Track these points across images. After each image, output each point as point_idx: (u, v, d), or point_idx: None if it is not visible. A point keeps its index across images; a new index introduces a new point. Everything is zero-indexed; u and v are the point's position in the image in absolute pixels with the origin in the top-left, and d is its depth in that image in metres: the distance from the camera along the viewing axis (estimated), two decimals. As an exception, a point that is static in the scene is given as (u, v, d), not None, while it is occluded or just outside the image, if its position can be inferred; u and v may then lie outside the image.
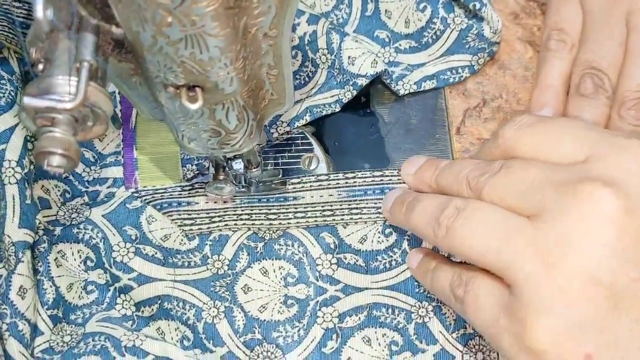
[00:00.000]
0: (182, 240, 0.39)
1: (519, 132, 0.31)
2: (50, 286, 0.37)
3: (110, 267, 0.38)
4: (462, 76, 0.42)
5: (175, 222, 0.39)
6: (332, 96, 0.41)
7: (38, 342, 0.36)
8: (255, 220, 0.39)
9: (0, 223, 0.36)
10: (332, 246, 0.38)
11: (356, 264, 0.38)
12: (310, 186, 0.40)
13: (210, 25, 0.23)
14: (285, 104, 0.32)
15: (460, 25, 0.41)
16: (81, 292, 0.38)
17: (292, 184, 0.40)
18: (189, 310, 0.37)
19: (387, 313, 0.37)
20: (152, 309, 0.38)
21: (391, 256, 0.38)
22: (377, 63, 0.39)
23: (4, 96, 0.37)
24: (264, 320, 0.38)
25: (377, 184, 0.39)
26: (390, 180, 0.39)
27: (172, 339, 0.37)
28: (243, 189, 0.39)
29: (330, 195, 0.40)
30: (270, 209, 0.39)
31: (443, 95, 0.43)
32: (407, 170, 0.38)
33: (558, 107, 0.39)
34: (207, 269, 0.38)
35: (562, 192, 0.27)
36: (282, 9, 0.26)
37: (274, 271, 0.38)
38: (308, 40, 0.40)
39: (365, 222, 0.39)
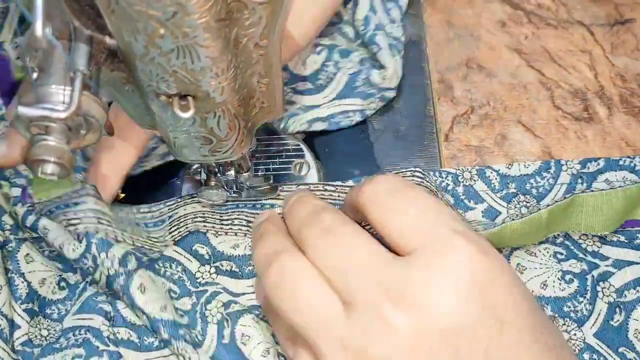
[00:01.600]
0: (74, 244, 0.37)
1: (373, 196, 0.30)
2: (22, 282, 0.38)
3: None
4: (353, 120, 0.42)
5: (62, 223, 0.38)
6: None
7: (17, 336, 0.37)
8: (136, 241, 0.39)
9: None
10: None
11: None
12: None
13: (202, 37, 0.24)
14: (275, 112, 0.32)
15: (350, 70, 0.42)
16: (54, 288, 0.38)
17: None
18: None
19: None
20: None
21: None
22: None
23: None
24: None
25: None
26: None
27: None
28: (234, 195, 0.40)
29: None
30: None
31: (432, 102, 0.43)
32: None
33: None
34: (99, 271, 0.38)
35: (373, 295, 0.27)
36: (272, 20, 0.26)
37: None
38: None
39: None
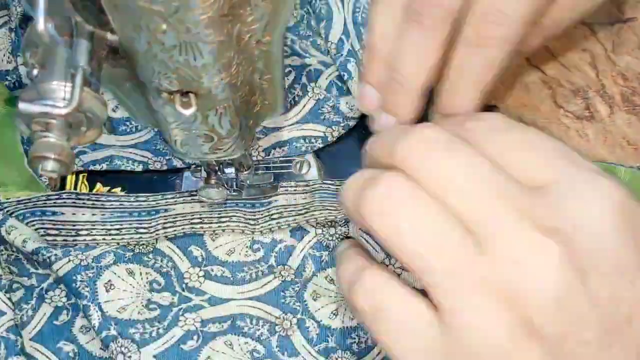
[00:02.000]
0: (42, 241, 0.38)
1: (486, 134, 0.27)
2: (6, 273, 0.38)
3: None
4: (315, 146, 0.41)
5: (38, 232, 0.37)
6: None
7: (2, 322, 0.37)
8: (125, 235, 0.39)
9: None
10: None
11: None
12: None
13: (205, 33, 0.23)
14: (277, 110, 0.32)
15: (318, 95, 0.41)
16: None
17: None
18: None
19: (251, 324, 0.37)
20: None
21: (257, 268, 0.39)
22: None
23: None
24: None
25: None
26: None
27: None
28: (235, 193, 0.40)
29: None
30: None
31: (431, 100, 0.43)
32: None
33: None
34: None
35: (509, 224, 0.24)
36: (275, 17, 0.26)
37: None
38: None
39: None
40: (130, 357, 0.34)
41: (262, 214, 0.39)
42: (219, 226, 0.38)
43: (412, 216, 0.24)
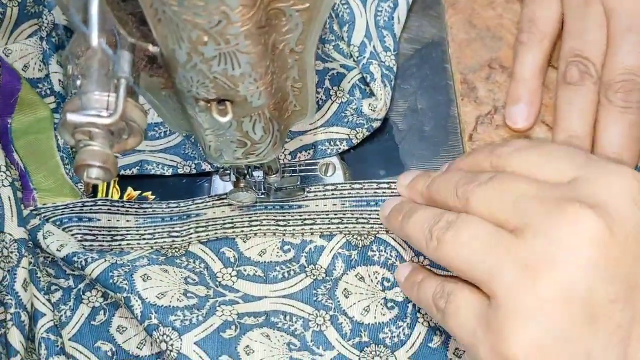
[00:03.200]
0: (79, 246, 0.39)
1: (511, 153, 0.32)
2: (44, 275, 0.39)
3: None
4: (339, 148, 0.42)
5: (75, 237, 0.39)
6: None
7: (42, 323, 0.38)
8: (158, 239, 0.40)
9: None
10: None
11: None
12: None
13: (244, 44, 0.24)
14: (307, 115, 0.33)
15: (341, 98, 0.42)
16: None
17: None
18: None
19: (285, 320, 0.38)
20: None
21: (289, 267, 0.39)
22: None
23: None
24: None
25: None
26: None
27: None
28: (262, 196, 0.41)
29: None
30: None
31: (455, 102, 0.44)
32: (401, 182, 0.38)
33: (532, 100, 0.41)
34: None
35: (547, 209, 0.28)
36: (308, 26, 0.27)
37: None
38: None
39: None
40: (172, 345, 0.35)
41: (292, 217, 0.40)
42: (250, 230, 0.39)
43: (476, 248, 0.29)
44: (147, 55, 0.27)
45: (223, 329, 0.37)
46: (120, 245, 0.38)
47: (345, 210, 0.40)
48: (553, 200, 0.28)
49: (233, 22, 0.23)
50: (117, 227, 0.39)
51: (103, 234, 0.39)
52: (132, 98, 0.27)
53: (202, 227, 0.40)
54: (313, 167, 0.42)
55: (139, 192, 0.43)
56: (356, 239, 0.39)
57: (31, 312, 0.37)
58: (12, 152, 0.41)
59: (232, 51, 0.25)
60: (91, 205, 0.39)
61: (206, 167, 0.42)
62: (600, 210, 0.27)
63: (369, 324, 0.38)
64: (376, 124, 0.42)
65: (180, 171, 0.42)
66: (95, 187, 0.43)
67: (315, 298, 0.39)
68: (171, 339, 0.35)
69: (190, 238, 0.39)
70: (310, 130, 0.42)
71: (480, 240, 0.29)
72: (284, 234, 0.39)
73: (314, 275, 0.39)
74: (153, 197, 0.42)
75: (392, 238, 0.39)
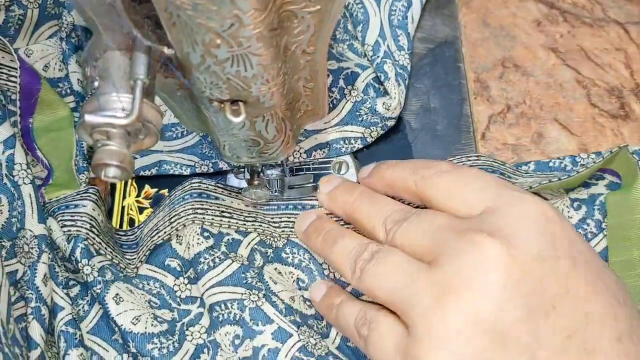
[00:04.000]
0: (64, 245, 0.39)
1: (433, 177, 0.33)
2: (62, 270, 0.40)
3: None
4: (354, 147, 0.42)
5: (59, 224, 0.39)
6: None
7: (61, 316, 0.38)
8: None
9: (20, 220, 0.38)
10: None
11: None
12: None
13: (256, 46, 0.25)
14: (319, 114, 0.33)
15: (355, 97, 0.42)
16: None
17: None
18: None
19: (223, 309, 0.38)
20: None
21: (213, 255, 0.39)
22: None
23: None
24: (298, 310, 0.39)
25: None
26: None
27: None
28: (276, 194, 0.41)
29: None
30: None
31: (468, 101, 0.44)
32: (323, 189, 0.39)
33: None
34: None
35: (457, 239, 0.29)
36: (320, 28, 0.27)
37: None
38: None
39: None
40: None
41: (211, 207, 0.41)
42: (174, 226, 0.40)
43: (396, 278, 0.31)
44: (163, 57, 0.28)
45: (197, 354, 0.37)
46: (93, 238, 0.39)
47: (257, 212, 0.41)
48: (463, 231, 0.29)
49: (245, 25, 0.24)
50: (96, 219, 0.40)
51: (83, 220, 0.39)
52: (148, 99, 0.27)
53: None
54: (326, 165, 0.43)
55: (156, 189, 0.44)
56: (269, 239, 0.40)
57: (51, 306, 0.38)
58: (35, 149, 0.42)
59: (245, 53, 0.25)
60: (82, 193, 0.40)
61: (223, 165, 0.43)
62: (504, 239, 0.28)
63: (298, 310, 0.39)
64: (390, 123, 0.42)
65: (198, 170, 0.43)
66: (113, 186, 0.43)
67: (245, 281, 0.38)
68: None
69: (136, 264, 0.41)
70: (325, 129, 0.43)
71: (400, 271, 0.31)
72: (202, 222, 0.40)
73: (239, 262, 0.39)
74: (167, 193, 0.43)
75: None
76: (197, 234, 0.39)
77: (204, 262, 0.38)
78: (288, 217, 0.41)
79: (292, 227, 0.41)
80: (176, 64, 0.27)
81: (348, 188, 0.38)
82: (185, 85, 0.29)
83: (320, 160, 0.43)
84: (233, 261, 0.39)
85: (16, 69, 0.41)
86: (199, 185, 0.40)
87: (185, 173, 0.43)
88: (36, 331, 0.37)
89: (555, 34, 0.45)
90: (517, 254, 0.28)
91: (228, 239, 0.40)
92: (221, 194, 0.41)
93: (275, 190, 0.41)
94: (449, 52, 0.46)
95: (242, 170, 0.41)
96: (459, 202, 0.32)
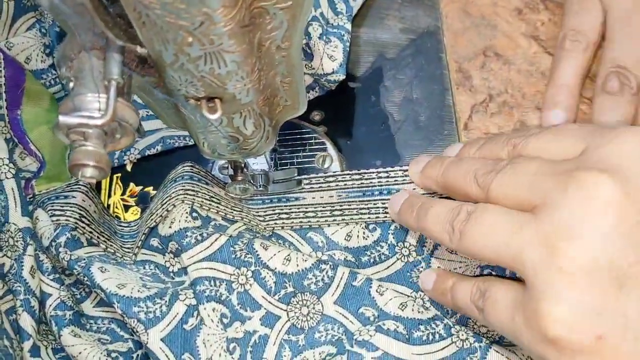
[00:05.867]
0: (50, 233, 0.39)
1: (525, 140, 0.33)
2: (47, 257, 0.40)
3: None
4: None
5: (48, 214, 0.39)
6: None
7: (49, 303, 0.38)
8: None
9: (3, 214, 0.39)
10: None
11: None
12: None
13: (228, 43, 0.25)
14: (298, 109, 0.33)
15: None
16: None
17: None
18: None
19: (210, 285, 0.37)
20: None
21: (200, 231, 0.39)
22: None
23: None
24: (292, 272, 0.38)
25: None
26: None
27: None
28: (261, 189, 0.41)
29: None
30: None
31: (450, 91, 0.44)
32: (414, 169, 0.39)
33: (571, 106, 0.41)
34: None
35: (560, 182, 0.28)
36: (293, 23, 0.27)
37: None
38: None
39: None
40: (140, 337, 0.36)
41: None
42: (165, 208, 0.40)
43: (499, 234, 0.30)
44: (138, 57, 0.28)
45: (186, 319, 0.37)
46: (84, 227, 0.39)
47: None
48: (566, 173, 0.28)
49: (216, 22, 0.24)
50: (87, 210, 0.40)
51: (73, 210, 0.39)
52: (124, 98, 0.27)
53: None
54: (311, 158, 0.43)
55: (141, 187, 0.44)
56: (255, 229, 0.41)
57: (40, 296, 0.39)
58: (28, 143, 0.42)
59: (217, 51, 0.25)
60: (73, 185, 0.41)
61: None
62: (613, 173, 0.27)
63: (292, 273, 0.38)
64: (328, 84, 0.42)
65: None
66: (98, 184, 0.44)
67: (234, 255, 0.38)
68: (138, 331, 0.36)
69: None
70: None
71: (501, 225, 0.30)
72: (192, 202, 0.39)
73: (227, 234, 0.39)
74: (155, 192, 0.43)
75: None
76: (186, 213, 0.38)
77: (190, 237, 0.38)
78: (273, 210, 0.41)
79: (277, 220, 0.41)
80: (151, 62, 0.28)
81: (436, 161, 0.38)
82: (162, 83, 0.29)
83: (304, 154, 0.43)
84: (221, 234, 0.38)
85: None
86: (191, 169, 0.40)
87: (190, 144, 0.43)
88: (27, 322, 0.37)
89: (536, 22, 0.45)
90: (630, 189, 0.27)
91: (215, 223, 0.39)
92: (211, 181, 0.41)
93: (260, 185, 0.41)
94: (430, 43, 0.46)
95: (226, 166, 0.41)
96: (556, 151, 0.31)
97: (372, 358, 0.34)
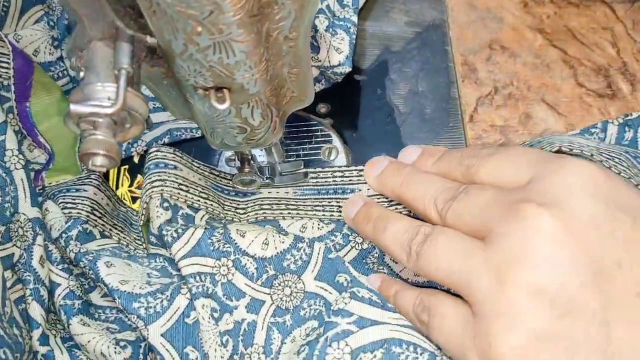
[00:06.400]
0: (61, 225, 0.40)
1: (477, 164, 0.34)
2: (55, 247, 0.40)
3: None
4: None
5: (60, 206, 0.40)
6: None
7: (58, 292, 0.39)
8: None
9: (13, 204, 0.39)
10: None
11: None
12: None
13: (237, 32, 0.25)
14: (305, 100, 0.34)
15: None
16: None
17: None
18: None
19: (196, 281, 0.37)
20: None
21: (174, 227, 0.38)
22: None
23: None
24: (272, 256, 0.38)
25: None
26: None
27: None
28: (267, 181, 0.42)
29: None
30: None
31: (456, 84, 0.44)
32: (370, 172, 0.39)
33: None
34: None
35: (506, 213, 0.29)
36: (301, 13, 0.28)
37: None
38: None
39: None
40: (141, 332, 0.36)
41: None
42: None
43: (452, 258, 0.31)
44: (147, 46, 0.28)
45: (188, 312, 0.37)
46: (95, 220, 0.40)
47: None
48: (511, 204, 0.29)
49: (225, 12, 0.24)
50: (99, 203, 0.40)
51: (84, 203, 0.40)
52: (133, 88, 0.28)
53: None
54: (317, 151, 0.43)
55: (149, 179, 0.44)
56: (217, 217, 0.41)
57: (49, 286, 0.39)
58: (37, 135, 0.43)
59: (226, 40, 0.25)
60: (84, 178, 0.41)
61: None
62: (553, 206, 0.28)
63: (272, 256, 0.38)
64: (335, 76, 0.42)
65: None
66: (106, 175, 0.44)
67: (212, 247, 0.38)
68: (138, 327, 0.36)
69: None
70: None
71: (455, 250, 0.31)
72: (161, 193, 0.39)
73: (202, 227, 0.38)
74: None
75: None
76: (157, 206, 0.38)
77: (167, 234, 0.38)
78: (230, 203, 0.41)
79: (235, 212, 0.41)
80: (160, 52, 0.28)
81: (394, 170, 0.38)
82: (171, 73, 0.30)
83: (310, 147, 0.43)
84: (196, 228, 0.38)
85: (8, 54, 0.41)
86: (155, 155, 0.40)
87: (197, 135, 0.44)
88: (36, 311, 0.37)
89: (541, 14, 0.45)
90: (569, 221, 0.28)
91: (183, 213, 0.39)
92: (179, 162, 0.40)
93: (267, 178, 0.41)
94: (436, 36, 0.46)
95: (233, 158, 0.41)
96: (505, 177, 0.32)
97: (347, 324, 0.35)
